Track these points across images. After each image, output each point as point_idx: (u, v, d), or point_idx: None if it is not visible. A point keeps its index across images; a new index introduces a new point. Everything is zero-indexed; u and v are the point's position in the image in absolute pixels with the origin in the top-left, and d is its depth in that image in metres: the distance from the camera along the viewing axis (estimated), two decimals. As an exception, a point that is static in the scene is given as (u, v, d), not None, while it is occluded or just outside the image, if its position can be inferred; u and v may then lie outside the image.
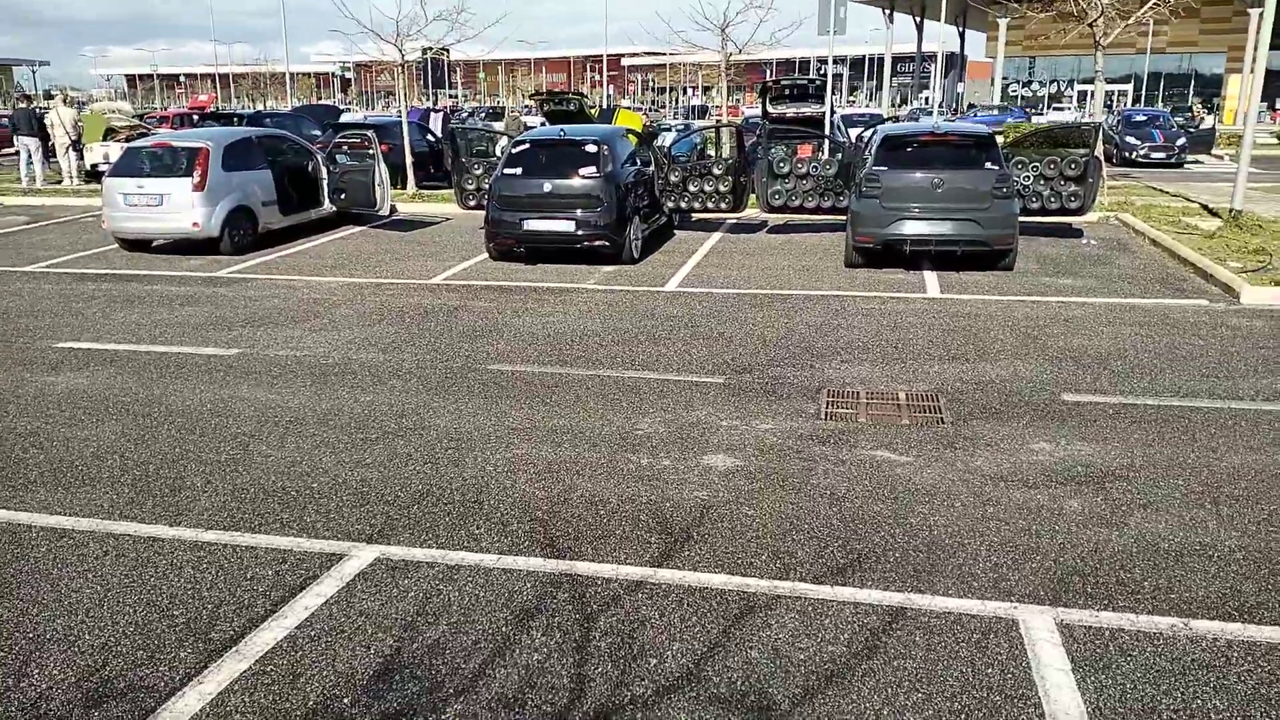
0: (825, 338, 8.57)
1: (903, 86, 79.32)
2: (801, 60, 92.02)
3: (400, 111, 20.65)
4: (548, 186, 11.89)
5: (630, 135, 14.14)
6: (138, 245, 13.69)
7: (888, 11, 55.73)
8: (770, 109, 18.59)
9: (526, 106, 52.25)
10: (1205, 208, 16.30)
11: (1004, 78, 57.41)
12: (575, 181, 11.90)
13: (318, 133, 21.26)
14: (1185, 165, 26.78)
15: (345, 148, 14.78)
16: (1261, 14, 13.67)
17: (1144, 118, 29.24)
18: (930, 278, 11.15)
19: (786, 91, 19.28)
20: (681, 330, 8.92)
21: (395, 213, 16.68)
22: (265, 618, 4.11)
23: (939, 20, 53.82)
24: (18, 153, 21.95)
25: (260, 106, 76.54)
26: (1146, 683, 3.59)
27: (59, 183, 21.50)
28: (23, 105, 24.39)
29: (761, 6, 22.06)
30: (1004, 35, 51.81)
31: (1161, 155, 26.59)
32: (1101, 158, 14.28)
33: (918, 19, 59.32)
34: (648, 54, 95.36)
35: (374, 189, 14.41)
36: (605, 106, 35.11)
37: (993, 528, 4.84)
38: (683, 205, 13.72)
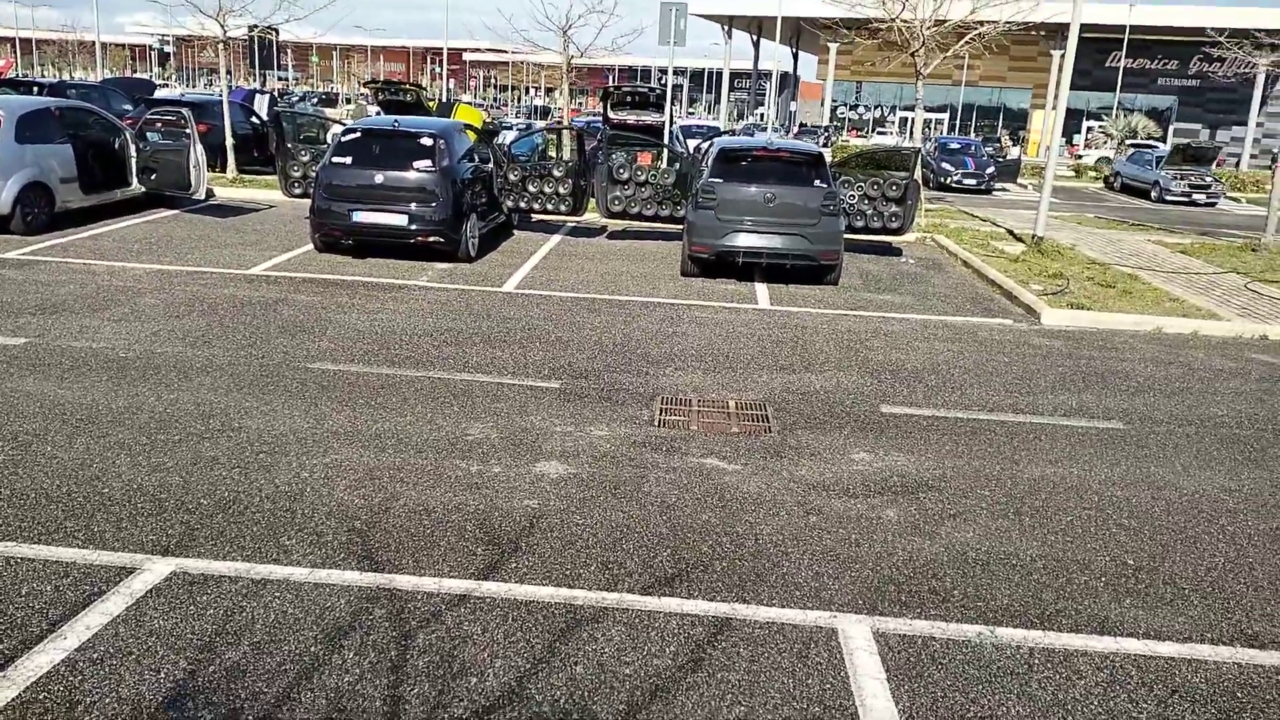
0: (661, 345, 8.60)
1: (740, 102, 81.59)
2: (643, 69, 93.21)
3: (222, 90, 19.51)
4: (380, 178, 11.44)
5: (469, 131, 13.84)
6: (-90, 219, 12.31)
7: (726, 28, 57.20)
8: (611, 115, 18.62)
9: (363, 94, 50.52)
10: (1011, 233, 17.47)
11: (833, 100, 59.95)
12: (410, 174, 11.50)
13: (128, 108, 19.81)
14: (993, 192, 28.69)
15: (158, 125, 13.80)
16: (1063, 55, 14.78)
17: (958, 145, 31.14)
18: (761, 289, 11.42)
19: (628, 98, 19.38)
20: (518, 333, 8.75)
21: (212, 197, 15.73)
22: (40, 639, 3.70)
23: (775, 40, 55.64)
24: None
25: (66, 76, 70.71)
26: (956, 690, 3.72)
27: None
28: None
29: (604, 12, 22.16)
30: (834, 59, 54.08)
31: (973, 182, 28.39)
32: (920, 181, 15.06)
33: (755, 37, 61.12)
34: (490, 50, 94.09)
35: (189, 170, 13.51)
36: (445, 100, 34.37)
37: (815, 537, 4.94)
38: (522, 205, 13.55)
